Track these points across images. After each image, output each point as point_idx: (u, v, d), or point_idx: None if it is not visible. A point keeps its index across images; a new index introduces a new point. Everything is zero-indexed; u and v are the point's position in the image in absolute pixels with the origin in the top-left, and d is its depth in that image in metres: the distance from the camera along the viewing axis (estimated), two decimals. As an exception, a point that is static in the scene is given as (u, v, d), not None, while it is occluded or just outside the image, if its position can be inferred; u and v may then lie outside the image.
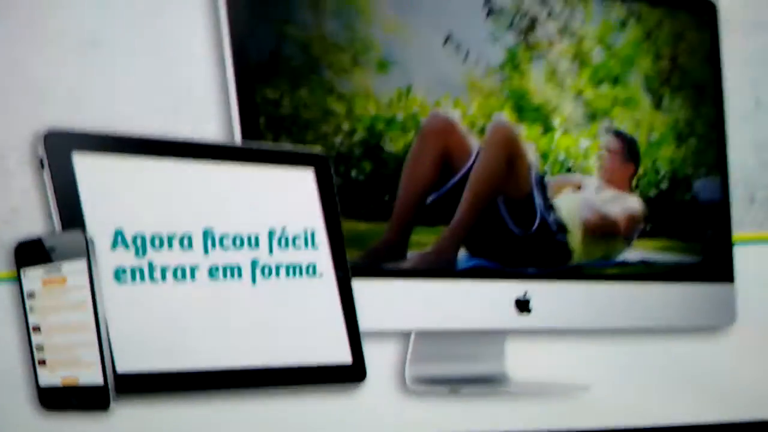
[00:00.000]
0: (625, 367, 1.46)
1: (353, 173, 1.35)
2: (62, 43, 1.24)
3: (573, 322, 1.44)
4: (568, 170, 1.48)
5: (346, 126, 1.35)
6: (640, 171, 1.52)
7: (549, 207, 1.45)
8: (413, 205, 1.38)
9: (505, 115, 1.43)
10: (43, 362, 1.17)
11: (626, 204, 1.51)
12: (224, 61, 1.28)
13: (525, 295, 1.41)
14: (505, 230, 1.43)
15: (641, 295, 1.48)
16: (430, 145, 1.39)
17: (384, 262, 1.36)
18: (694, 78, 1.57)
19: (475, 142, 1.41)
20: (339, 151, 1.34)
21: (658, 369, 1.47)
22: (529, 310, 1.41)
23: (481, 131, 1.42)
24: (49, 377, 1.17)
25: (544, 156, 1.46)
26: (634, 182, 1.52)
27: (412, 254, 1.38)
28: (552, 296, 1.43)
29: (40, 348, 1.17)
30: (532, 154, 1.44)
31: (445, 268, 1.38)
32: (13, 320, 1.20)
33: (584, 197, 1.48)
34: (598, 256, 1.48)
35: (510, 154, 1.43)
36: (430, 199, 1.39)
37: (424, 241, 1.39)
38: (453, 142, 1.40)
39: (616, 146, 1.51)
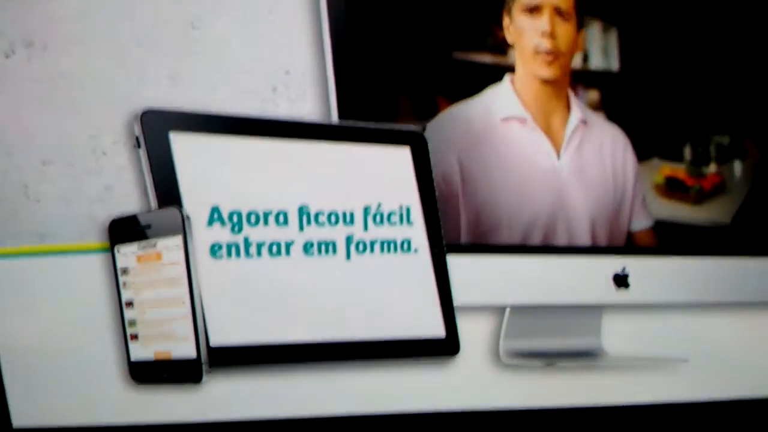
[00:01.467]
0: (722, 341, 1.35)
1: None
2: (161, 25, 1.17)
3: (671, 296, 1.33)
4: None
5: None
6: None
7: None
8: None
9: None
10: (135, 337, 1.13)
11: None
12: (322, 40, 1.19)
13: (623, 270, 1.29)
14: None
15: (739, 270, 1.36)
16: None
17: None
18: None
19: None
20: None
21: (756, 343, 1.35)
22: (627, 285, 1.29)
23: None
24: (141, 351, 1.13)
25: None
26: None
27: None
28: (649, 271, 1.32)
29: (133, 323, 1.13)
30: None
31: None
32: (103, 295, 1.14)
33: None
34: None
35: None
36: None
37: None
38: None
39: None
